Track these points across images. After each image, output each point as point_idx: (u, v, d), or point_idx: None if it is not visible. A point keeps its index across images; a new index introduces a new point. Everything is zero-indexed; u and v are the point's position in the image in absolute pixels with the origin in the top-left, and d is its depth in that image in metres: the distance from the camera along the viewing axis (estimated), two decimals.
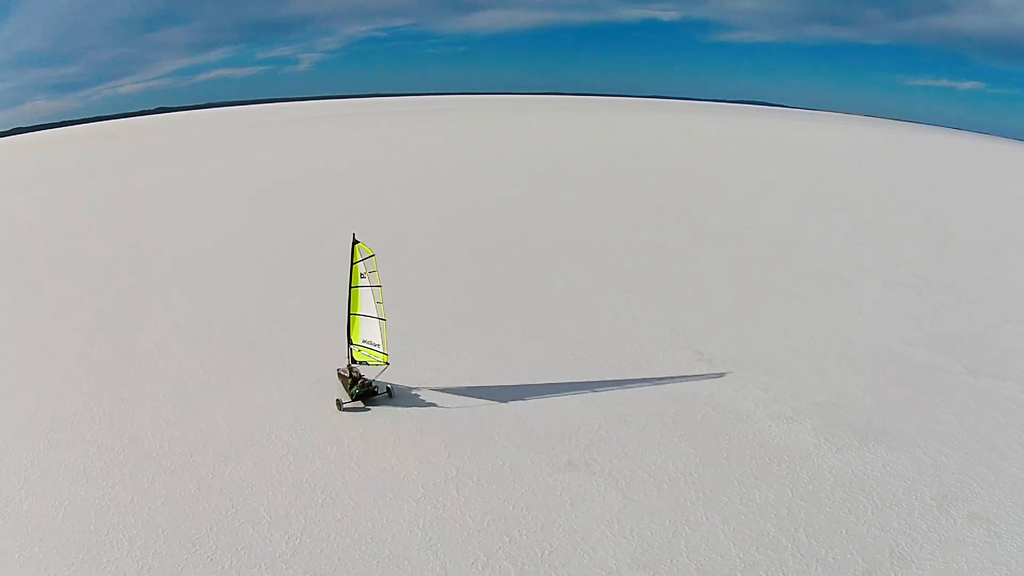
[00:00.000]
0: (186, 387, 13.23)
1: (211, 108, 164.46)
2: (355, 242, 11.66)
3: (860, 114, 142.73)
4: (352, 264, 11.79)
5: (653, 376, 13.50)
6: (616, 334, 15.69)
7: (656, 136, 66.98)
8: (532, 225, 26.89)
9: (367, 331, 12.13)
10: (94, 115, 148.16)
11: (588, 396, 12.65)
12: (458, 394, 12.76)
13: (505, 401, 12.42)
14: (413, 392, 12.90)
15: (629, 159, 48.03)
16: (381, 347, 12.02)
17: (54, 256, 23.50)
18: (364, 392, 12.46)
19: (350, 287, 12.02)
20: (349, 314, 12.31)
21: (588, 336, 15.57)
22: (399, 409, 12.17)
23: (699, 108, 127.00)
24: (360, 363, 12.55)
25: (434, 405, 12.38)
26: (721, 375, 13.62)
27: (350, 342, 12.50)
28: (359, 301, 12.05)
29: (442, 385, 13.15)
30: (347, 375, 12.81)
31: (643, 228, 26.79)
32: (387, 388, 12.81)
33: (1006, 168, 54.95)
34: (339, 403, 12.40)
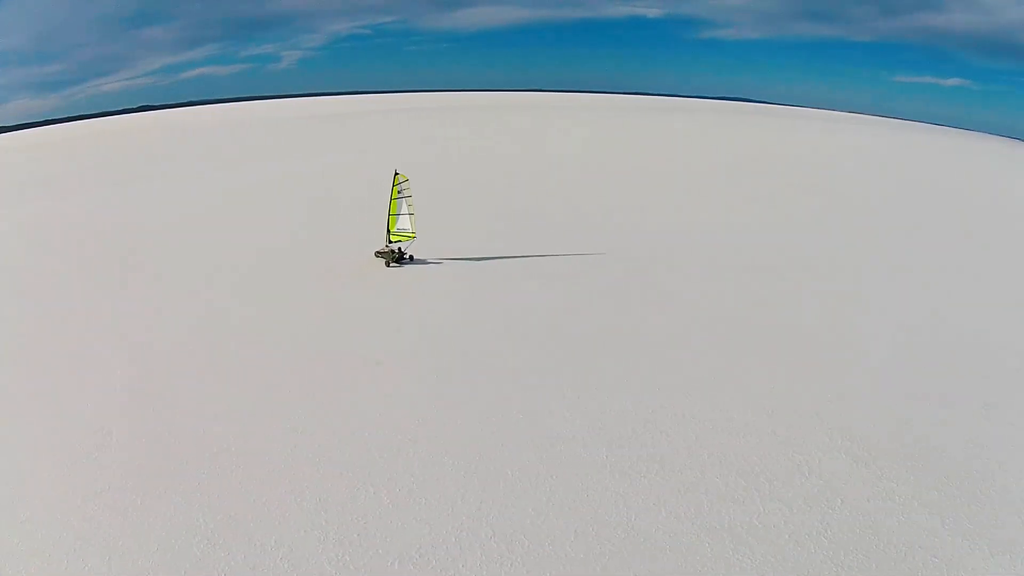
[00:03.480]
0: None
1: (195, 106, 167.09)
2: (396, 173, 19.93)
3: (847, 111, 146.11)
4: (394, 185, 19.81)
5: None
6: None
7: (711, 142, 65.89)
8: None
9: (401, 223, 20.12)
10: (77, 113, 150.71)
11: None
12: None
13: None
14: None
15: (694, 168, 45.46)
16: (410, 229, 20.14)
17: (98, 272, 20.81)
18: (398, 257, 20.49)
19: (391, 199, 19.94)
20: (388, 215, 20.21)
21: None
22: None
23: (723, 109, 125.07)
24: (395, 242, 20.38)
25: None
26: None
27: (388, 232, 20.34)
28: (395, 207, 20.14)
29: None
30: (385, 250, 20.47)
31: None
32: (410, 256, 20.73)
33: None
34: (387, 263, 20.38)
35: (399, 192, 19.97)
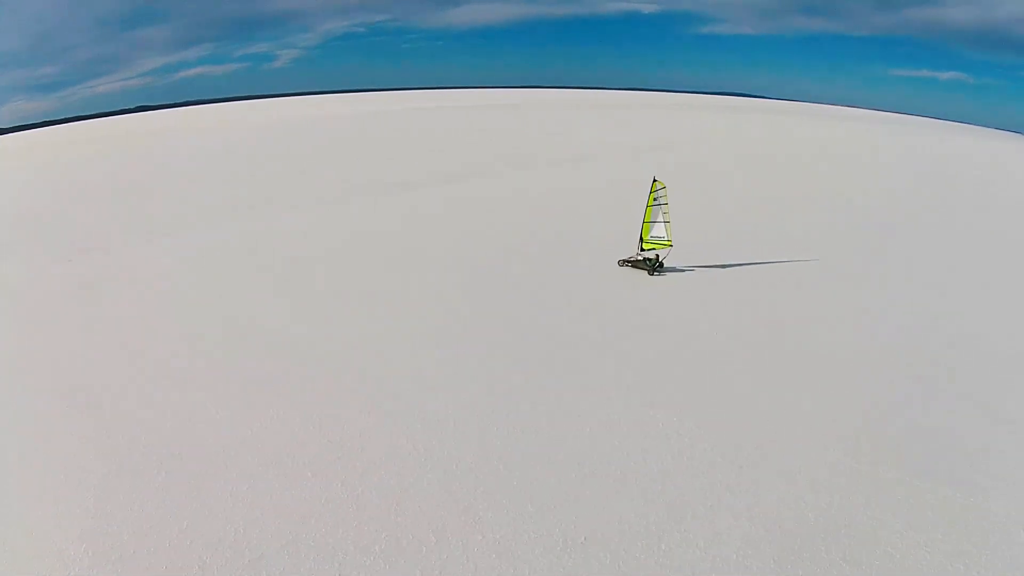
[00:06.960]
0: None
1: (193, 106, 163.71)
2: (654, 180, 20.09)
3: (844, 105, 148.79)
4: (651, 193, 20.05)
5: None
6: None
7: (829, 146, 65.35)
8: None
9: (655, 231, 20.26)
10: (72, 115, 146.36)
11: None
12: None
13: None
14: None
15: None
16: (665, 237, 20.18)
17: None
18: (657, 265, 20.56)
19: (647, 206, 20.25)
20: (643, 223, 20.46)
21: None
22: None
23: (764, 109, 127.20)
24: (648, 250, 20.55)
25: None
26: None
27: (641, 240, 20.58)
28: (650, 214, 20.40)
29: None
30: (637, 258, 20.77)
31: None
32: (662, 262, 20.67)
33: None
34: (650, 272, 20.48)
35: (655, 200, 20.19)
